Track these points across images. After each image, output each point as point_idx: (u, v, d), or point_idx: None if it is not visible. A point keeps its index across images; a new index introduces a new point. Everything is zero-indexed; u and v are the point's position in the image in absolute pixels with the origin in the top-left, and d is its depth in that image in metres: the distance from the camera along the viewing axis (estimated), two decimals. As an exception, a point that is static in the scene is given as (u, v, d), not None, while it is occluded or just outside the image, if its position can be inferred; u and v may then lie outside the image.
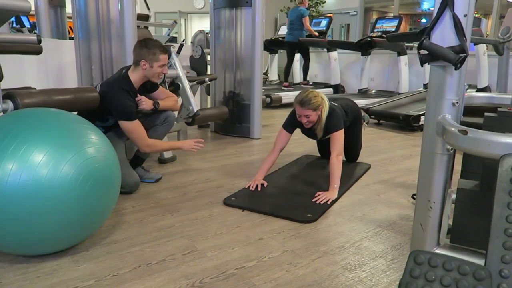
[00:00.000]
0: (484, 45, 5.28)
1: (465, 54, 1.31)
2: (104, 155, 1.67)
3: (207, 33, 4.27)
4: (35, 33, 5.17)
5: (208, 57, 4.29)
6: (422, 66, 1.40)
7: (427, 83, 3.97)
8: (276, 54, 8.21)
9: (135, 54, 2.37)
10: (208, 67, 4.32)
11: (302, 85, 7.07)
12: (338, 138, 2.50)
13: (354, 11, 9.90)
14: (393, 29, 6.22)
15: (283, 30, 7.69)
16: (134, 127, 2.34)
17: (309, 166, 3.06)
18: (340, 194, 2.42)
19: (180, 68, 3.22)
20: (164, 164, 3.08)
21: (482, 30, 4.95)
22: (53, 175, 1.46)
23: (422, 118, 4.44)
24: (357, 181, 2.76)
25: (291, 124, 2.63)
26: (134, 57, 2.38)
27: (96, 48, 3.04)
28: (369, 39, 6.23)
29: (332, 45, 6.98)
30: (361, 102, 5.19)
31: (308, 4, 8.01)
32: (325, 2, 10.19)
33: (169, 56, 3.08)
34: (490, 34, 7.32)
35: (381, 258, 1.73)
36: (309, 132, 2.73)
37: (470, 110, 1.74)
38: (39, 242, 1.56)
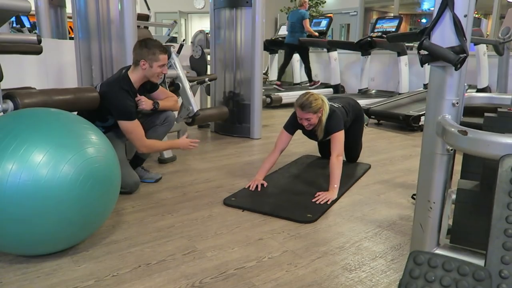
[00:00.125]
0: (484, 45, 5.28)
1: (465, 55, 1.31)
2: (104, 155, 1.67)
3: (207, 33, 4.27)
4: (35, 33, 5.18)
5: (208, 57, 4.29)
6: (422, 66, 1.40)
7: (427, 83, 3.97)
8: (276, 54, 8.21)
9: (134, 54, 2.37)
10: (208, 67, 4.32)
11: (310, 87, 7.01)
12: (338, 139, 2.51)
13: (354, 11, 9.90)
14: (393, 29, 6.22)
15: (283, 30, 7.69)
16: (133, 127, 2.34)
17: (309, 166, 3.06)
18: (340, 194, 2.42)
19: (180, 68, 3.22)
20: (164, 164, 3.08)
21: (482, 30, 4.95)
22: (53, 175, 1.46)
23: (422, 118, 4.44)
24: (357, 181, 2.76)
25: (292, 125, 2.64)
26: (134, 57, 2.38)
27: (96, 48, 3.04)
28: (369, 39, 6.23)
29: (332, 45, 6.98)
30: (361, 102, 5.13)
31: (308, 4, 8.00)
32: (325, 2, 10.19)
33: (169, 56, 3.08)
34: (490, 34, 7.32)
35: (381, 258, 1.73)
36: (310, 134, 2.74)
37: (470, 111, 1.74)
38: (39, 242, 1.56)
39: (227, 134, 4.18)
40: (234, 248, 1.79)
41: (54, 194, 1.47)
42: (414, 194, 2.25)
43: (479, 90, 5.40)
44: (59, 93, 2.13)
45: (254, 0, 3.83)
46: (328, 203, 2.28)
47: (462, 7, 1.32)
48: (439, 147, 1.43)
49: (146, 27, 5.48)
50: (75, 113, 2.12)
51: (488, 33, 7.58)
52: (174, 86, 3.22)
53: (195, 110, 3.21)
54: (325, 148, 3.09)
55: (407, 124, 4.51)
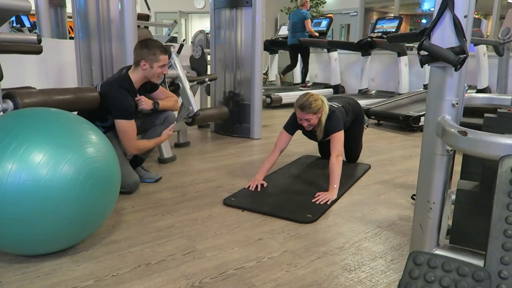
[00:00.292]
0: (484, 45, 5.28)
1: (465, 55, 1.31)
2: (104, 155, 1.67)
3: (207, 33, 4.27)
4: (35, 32, 5.18)
5: (208, 57, 4.29)
6: (422, 67, 1.40)
7: (427, 84, 3.97)
8: (276, 54, 8.21)
9: (135, 54, 2.37)
10: (208, 67, 4.32)
11: (301, 88, 7.03)
12: (338, 139, 2.51)
13: (355, 12, 9.90)
14: (394, 30, 6.21)
15: (284, 30, 7.69)
16: (128, 127, 2.33)
17: (309, 166, 3.06)
18: (340, 195, 2.42)
19: (180, 68, 3.23)
20: (164, 164, 3.08)
21: (482, 31, 4.95)
22: (52, 175, 1.46)
23: (422, 118, 4.44)
24: (357, 181, 2.76)
25: (292, 126, 2.64)
26: (134, 58, 2.38)
27: (96, 48, 3.04)
28: (369, 39, 6.23)
29: (332, 46, 6.98)
30: (361, 103, 5.14)
31: (309, 5, 8.01)
32: (325, 2, 10.19)
33: (169, 56, 3.08)
34: (490, 35, 7.32)
35: (381, 258, 1.73)
36: (310, 134, 2.74)
37: (470, 111, 1.74)
38: (39, 242, 1.56)
39: (227, 134, 4.18)
40: (234, 248, 1.79)
41: (54, 194, 1.47)
42: (414, 195, 2.25)
43: (479, 91, 5.40)
44: (59, 93, 2.13)
45: (254, 0, 3.83)
46: (328, 203, 2.28)
47: (462, 7, 1.32)
48: (439, 147, 1.43)
49: (146, 27, 5.48)
50: (75, 113, 2.12)
51: (488, 33, 7.58)
52: (174, 86, 3.22)
53: (195, 110, 3.22)
54: (325, 149, 3.09)
55: (407, 124, 4.51)
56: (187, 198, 2.39)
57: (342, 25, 10.41)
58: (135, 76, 2.38)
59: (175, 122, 2.64)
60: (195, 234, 1.92)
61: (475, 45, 5.02)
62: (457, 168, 1.59)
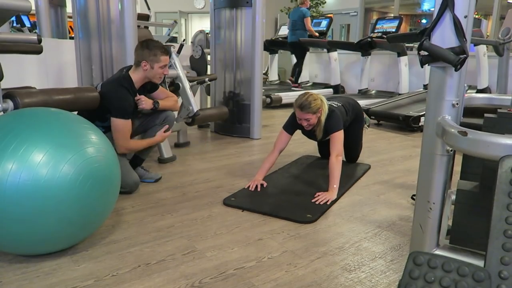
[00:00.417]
0: (484, 46, 5.28)
1: (465, 55, 1.31)
2: (104, 155, 1.67)
3: (207, 33, 4.27)
4: (35, 32, 5.18)
5: (208, 57, 4.29)
6: (422, 67, 1.40)
7: (427, 84, 3.97)
8: (276, 54, 8.21)
9: (136, 54, 2.37)
10: (208, 67, 4.32)
11: (292, 88, 6.97)
12: (338, 139, 2.51)
13: (355, 12, 9.90)
14: (394, 30, 6.22)
15: (284, 30, 7.69)
16: (123, 126, 2.33)
17: (309, 166, 3.06)
18: (339, 195, 2.42)
19: (180, 68, 3.22)
20: (164, 164, 3.08)
21: (482, 31, 4.95)
22: (52, 175, 1.46)
23: (422, 119, 4.44)
24: (357, 181, 2.76)
25: (291, 126, 2.64)
26: (135, 58, 2.38)
27: (96, 48, 3.04)
28: (369, 39, 6.23)
29: (332, 46, 6.99)
30: (361, 103, 5.15)
31: (309, 4, 8.01)
32: (325, 2, 10.19)
33: (170, 56, 3.07)
34: (490, 35, 7.32)
35: (381, 259, 1.73)
36: (309, 134, 2.74)
37: (470, 111, 1.74)
38: (39, 242, 1.56)
39: (227, 134, 4.18)
40: (234, 248, 1.79)
41: (53, 194, 1.47)
42: (414, 195, 2.25)
43: (479, 91, 5.40)
44: (59, 93, 2.13)
45: (254, 0, 3.83)
46: (328, 203, 2.28)
47: (462, 8, 1.32)
48: (439, 147, 1.43)
49: (146, 27, 5.49)
50: (75, 112, 2.12)
51: (488, 33, 7.58)
52: (174, 86, 3.22)
53: (195, 110, 3.22)
54: (324, 149, 3.09)
55: (407, 124, 4.51)
56: (187, 198, 2.39)
57: (342, 25, 10.41)
58: (136, 76, 2.38)
59: (167, 125, 2.59)
60: (195, 234, 1.92)
61: (475, 45, 5.03)
62: (457, 168, 1.59)
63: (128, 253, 1.72)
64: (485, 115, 1.44)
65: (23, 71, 3.65)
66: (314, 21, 7.57)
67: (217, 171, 2.93)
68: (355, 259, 1.72)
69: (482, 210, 1.33)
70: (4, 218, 1.44)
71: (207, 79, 3.75)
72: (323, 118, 2.55)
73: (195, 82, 3.63)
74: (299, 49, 6.99)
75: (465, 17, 1.32)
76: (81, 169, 1.53)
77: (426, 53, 1.35)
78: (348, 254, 1.76)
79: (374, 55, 6.91)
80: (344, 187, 2.56)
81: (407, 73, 6.22)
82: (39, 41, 2.39)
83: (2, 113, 1.86)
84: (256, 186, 2.49)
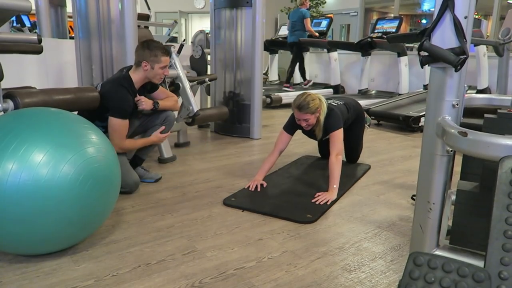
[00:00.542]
0: (484, 46, 5.28)
1: (465, 56, 1.31)
2: (104, 155, 1.67)
3: (207, 33, 4.27)
4: (35, 32, 5.18)
5: (208, 57, 4.29)
6: (422, 67, 1.40)
7: (427, 84, 3.97)
8: (276, 55, 8.21)
9: (136, 55, 2.38)
10: (208, 67, 4.32)
11: (284, 88, 6.94)
12: (337, 137, 2.51)
13: (355, 12, 9.90)
14: (394, 30, 6.22)
15: (284, 31, 7.69)
16: (120, 126, 2.33)
17: (309, 166, 3.06)
18: (339, 195, 2.42)
19: (180, 68, 3.22)
20: (164, 164, 3.08)
21: (482, 31, 4.95)
22: (53, 175, 1.46)
23: (422, 119, 4.44)
24: (357, 181, 2.76)
25: (291, 126, 2.64)
26: (135, 58, 2.38)
27: (96, 48, 3.04)
28: (369, 39, 6.23)
29: (332, 46, 6.99)
30: (361, 103, 5.16)
31: (309, 4, 8.01)
32: (325, 2, 10.20)
33: (170, 56, 3.08)
34: (490, 35, 7.32)
35: (381, 259, 1.73)
36: (309, 133, 2.74)
37: (470, 112, 1.74)
38: (39, 242, 1.56)
39: (227, 134, 4.18)
40: (234, 248, 1.79)
41: (54, 194, 1.47)
42: (414, 195, 2.25)
43: (479, 91, 5.40)
44: (59, 93, 2.13)
45: (254, 0, 3.83)
46: (328, 203, 2.28)
47: (462, 8, 1.32)
48: (439, 148, 1.43)
49: (147, 27, 5.49)
50: (75, 112, 2.12)
51: (488, 34, 7.58)
52: (174, 86, 3.22)
53: (195, 110, 3.22)
54: (325, 149, 3.09)
55: (407, 125, 4.51)
56: (187, 198, 2.39)
57: (342, 25, 10.41)
58: (136, 77, 2.38)
59: (163, 127, 2.58)
60: (195, 234, 1.92)
61: (475, 45, 5.03)
62: (457, 168, 1.59)
63: (128, 253, 1.72)
64: (485, 115, 1.44)
65: (23, 71, 3.65)
66: (314, 21, 7.57)
67: (217, 171, 2.93)
68: (355, 259, 1.72)
69: (482, 210, 1.33)
70: (4, 218, 1.44)
71: (207, 79, 3.75)
72: (322, 118, 2.55)
73: (195, 82, 3.63)
74: (297, 50, 6.98)
75: (465, 17, 1.33)
76: (81, 169, 1.53)
77: (426, 53, 1.36)
78: (348, 254, 1.76)
79: (374, 55, 6.91)
80: (344, 187, 2.56)
81: (407, 73, 6.22)
82: (39, 41, 2.39)
83: (2, 113, 1.86)
84: (256, 186, 2.49)
